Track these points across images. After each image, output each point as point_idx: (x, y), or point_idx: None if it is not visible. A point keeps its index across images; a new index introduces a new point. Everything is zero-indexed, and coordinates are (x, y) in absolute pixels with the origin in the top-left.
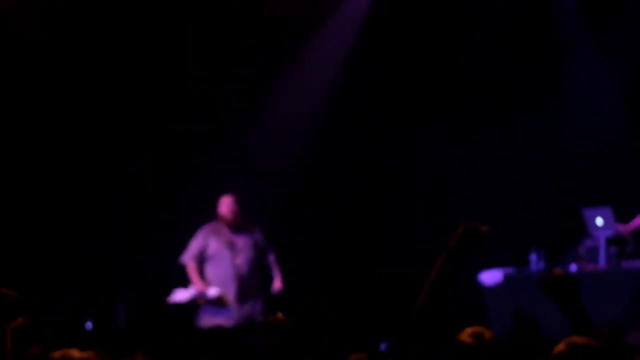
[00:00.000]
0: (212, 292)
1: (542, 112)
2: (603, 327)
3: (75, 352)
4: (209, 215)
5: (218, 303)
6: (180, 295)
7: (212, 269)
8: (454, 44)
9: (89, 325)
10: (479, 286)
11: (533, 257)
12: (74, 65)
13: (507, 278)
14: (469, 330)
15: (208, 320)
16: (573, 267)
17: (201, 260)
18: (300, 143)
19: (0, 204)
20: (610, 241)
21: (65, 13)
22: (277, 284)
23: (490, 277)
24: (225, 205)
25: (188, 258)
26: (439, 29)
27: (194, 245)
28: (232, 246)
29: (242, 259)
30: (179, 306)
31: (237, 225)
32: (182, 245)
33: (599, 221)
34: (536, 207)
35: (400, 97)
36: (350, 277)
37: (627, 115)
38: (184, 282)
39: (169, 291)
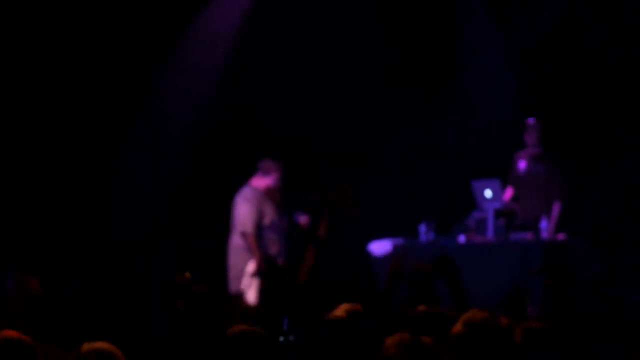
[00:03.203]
0: None
1: (433, 85)
2: (490, 298)
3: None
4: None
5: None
6: None
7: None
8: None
9: None
10: (368, 256)
11: (422, 228)
12: None
13: (396, 248)
14: (344, 306)
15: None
16: (462, 239)
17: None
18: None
19: None
20: (498, 213)
21: None
22: None
23: (380, 247)
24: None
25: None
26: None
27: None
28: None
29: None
30: None
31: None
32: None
33: (488, 193)
34: (426, 178)
35: (299, 69)
36: None
37: (517, 87)
38: None
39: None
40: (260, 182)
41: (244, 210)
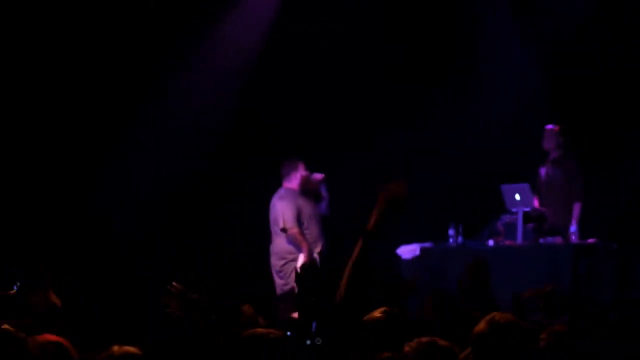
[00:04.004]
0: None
1: (460, 88)
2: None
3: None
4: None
5: None
6: None
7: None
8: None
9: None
10: (397, 259)
11: (451, 232)
12: None
13: (423, 252)
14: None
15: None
16: (490, 243)
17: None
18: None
19: None
20: (527, 217)
21: None
22: None
23: (408, 251)
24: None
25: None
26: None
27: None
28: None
29: None
30: None
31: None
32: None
33: (517, 197)
34: (455, 182)
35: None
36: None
37: (545, 93)
38: None
39: None
40: (292, 182)
41: (281, 208)
